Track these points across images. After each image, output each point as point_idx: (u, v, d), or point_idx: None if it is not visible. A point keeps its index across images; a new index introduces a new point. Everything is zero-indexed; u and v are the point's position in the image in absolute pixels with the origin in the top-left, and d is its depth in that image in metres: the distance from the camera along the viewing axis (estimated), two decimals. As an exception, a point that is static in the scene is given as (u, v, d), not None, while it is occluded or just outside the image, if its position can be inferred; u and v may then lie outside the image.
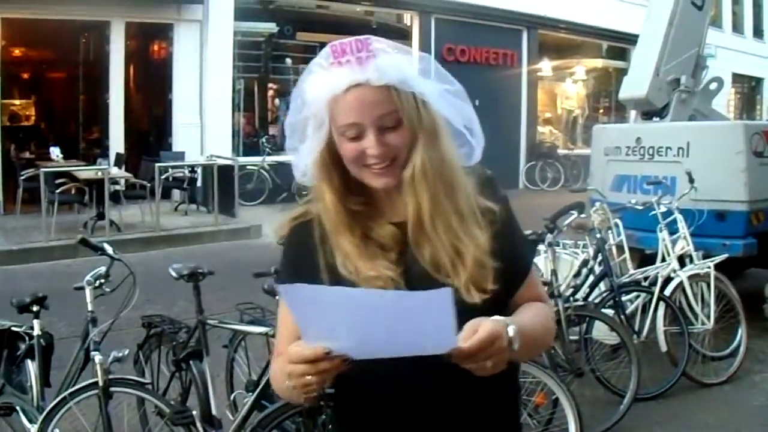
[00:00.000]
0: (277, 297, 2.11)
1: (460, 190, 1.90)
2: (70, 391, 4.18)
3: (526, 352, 1.84)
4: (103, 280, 4.45)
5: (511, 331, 1.69)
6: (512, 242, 1.97)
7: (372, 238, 1.91)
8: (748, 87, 35.17)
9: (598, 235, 6.76)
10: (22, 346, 4.68)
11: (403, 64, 1.83)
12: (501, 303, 1.87)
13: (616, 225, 7.47)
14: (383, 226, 1.92)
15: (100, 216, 13.29)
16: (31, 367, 4.57)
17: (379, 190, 1.90)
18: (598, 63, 27.95)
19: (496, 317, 1.71)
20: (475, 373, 1.67)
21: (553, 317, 2.15)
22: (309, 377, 1.65)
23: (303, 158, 1.94)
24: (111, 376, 4.18)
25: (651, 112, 9.60)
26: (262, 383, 4.48)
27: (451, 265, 1.84)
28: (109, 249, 4.61)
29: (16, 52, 19.73)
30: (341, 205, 1.90)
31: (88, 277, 4.42)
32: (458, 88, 1.95)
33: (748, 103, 35.17)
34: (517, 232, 2.04)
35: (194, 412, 4.49)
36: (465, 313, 1.64)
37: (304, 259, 1.95)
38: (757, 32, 34.56)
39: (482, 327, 1.64)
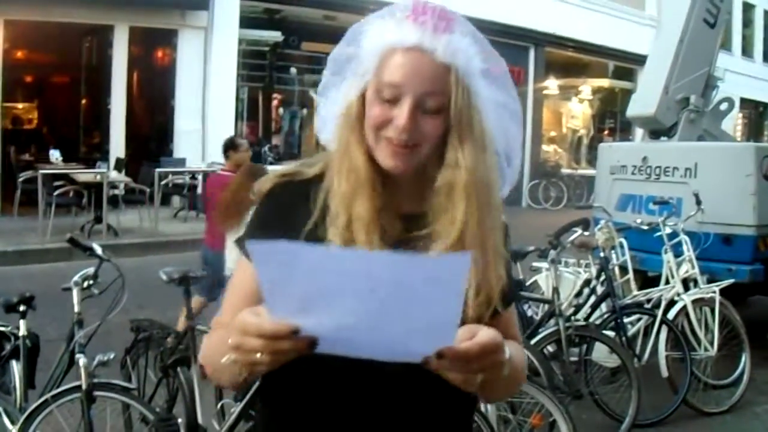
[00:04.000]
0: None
1: (497, 218, 1.68)
2: (52, 393, 4.08)
3: (507, 386, 1.65)
4: (91, 282, 4.35)
5: (507, 351, 1.45)
6: (509, 284, 1.75)
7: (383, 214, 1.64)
8: (755, 112, 35.13)
9: (602, 254, 6.60)
10: (8, 347, 4.57)
11: (474, 57, 1.64)
12: None
13: (621, 245, 7.33)
14: (393, 216, 1.65)
15: (98, 220, 13.22)
16: (16, 368, 4.46)
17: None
18: (605, 83, 27.97)
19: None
20: (457, 385, 1.41)
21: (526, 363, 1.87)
22: (260, 355, 1.33)
23: (330, 105, 1.72)
24: (95, 380, 4.06)
25: (658, 131, 9.48)
26: (251, 392, 4.33)
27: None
28: (98, 249, 4.52)
29: (19, 54, 19.63)
30: (371, 163, 1.62)
31: (75, 278, 4.33)
32: (516, 108, 1.75)
33: (755, 129, 35.07)
34: (512, 277, 1.81)
35: (180, 420, 4.37)
36: None
37: (279, 221, 1.67)
38: (767, 57, 34.53)
39: (483, 331, 1.39)
